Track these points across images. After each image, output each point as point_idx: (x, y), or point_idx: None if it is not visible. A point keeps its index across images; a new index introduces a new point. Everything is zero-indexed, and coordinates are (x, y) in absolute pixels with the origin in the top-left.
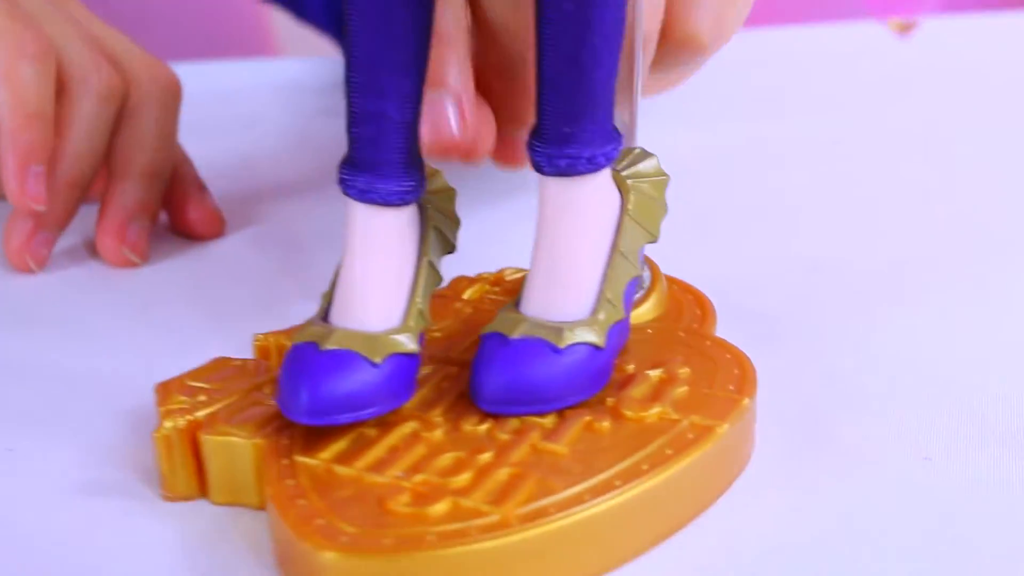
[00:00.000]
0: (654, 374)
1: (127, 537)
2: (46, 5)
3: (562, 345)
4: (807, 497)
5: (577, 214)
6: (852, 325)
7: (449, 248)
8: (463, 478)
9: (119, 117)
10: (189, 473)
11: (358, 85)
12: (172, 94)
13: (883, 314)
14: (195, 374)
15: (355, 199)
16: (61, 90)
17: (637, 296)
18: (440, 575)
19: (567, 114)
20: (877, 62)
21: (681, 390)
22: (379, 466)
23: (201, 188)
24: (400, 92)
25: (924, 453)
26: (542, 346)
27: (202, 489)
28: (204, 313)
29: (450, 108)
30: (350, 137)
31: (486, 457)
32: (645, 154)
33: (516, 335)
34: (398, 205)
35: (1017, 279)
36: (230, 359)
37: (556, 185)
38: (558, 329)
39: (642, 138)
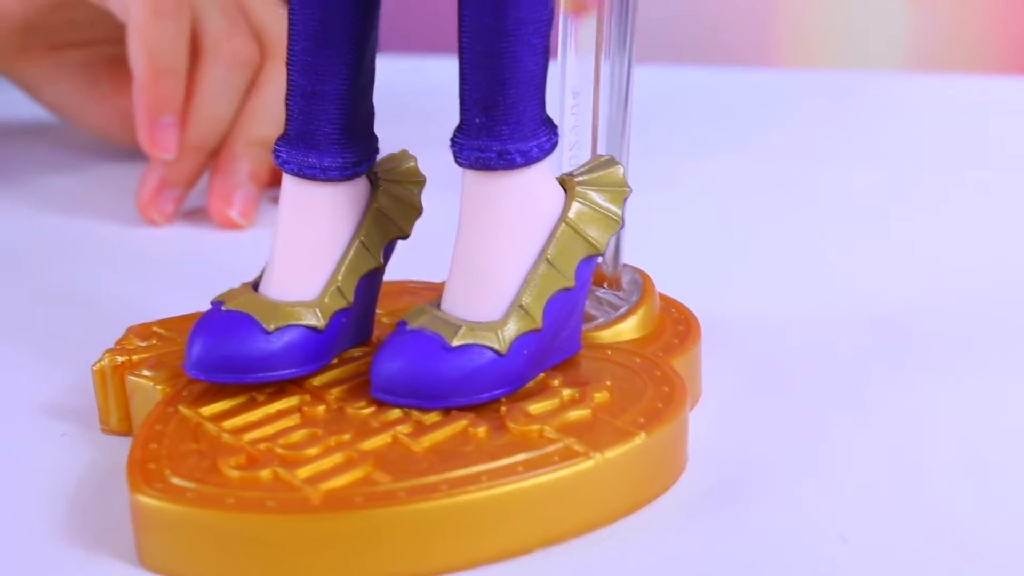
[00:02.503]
0: (567, 392)
1: (42, 459)
2: None
3: (453, 344)
4: (685, 557)
5: (493, 212)
6: (862, 389)
7: (398, 234)
8: (305, 453)
9: (251, 86)
10: (121, 410)
11: (293, 58)
12: None
13: (903, 383)
14: (165, 322)
15: (281, 169)
16: (195, 54)
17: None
18: (230, 537)
19: (477, 103)
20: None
21: (581, 412)
22: (243, 430)
23: None
24: (332, 67)
25: (843, 534)
26: (432, 341)
27: (132, 427)
28: None
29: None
30: (286, 109)
31: (341, 439)
32: (610, 162)
33: (414, 326)
34: (323, 181)
35: None
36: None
37: (472, 178)
38: (455, 327)
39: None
